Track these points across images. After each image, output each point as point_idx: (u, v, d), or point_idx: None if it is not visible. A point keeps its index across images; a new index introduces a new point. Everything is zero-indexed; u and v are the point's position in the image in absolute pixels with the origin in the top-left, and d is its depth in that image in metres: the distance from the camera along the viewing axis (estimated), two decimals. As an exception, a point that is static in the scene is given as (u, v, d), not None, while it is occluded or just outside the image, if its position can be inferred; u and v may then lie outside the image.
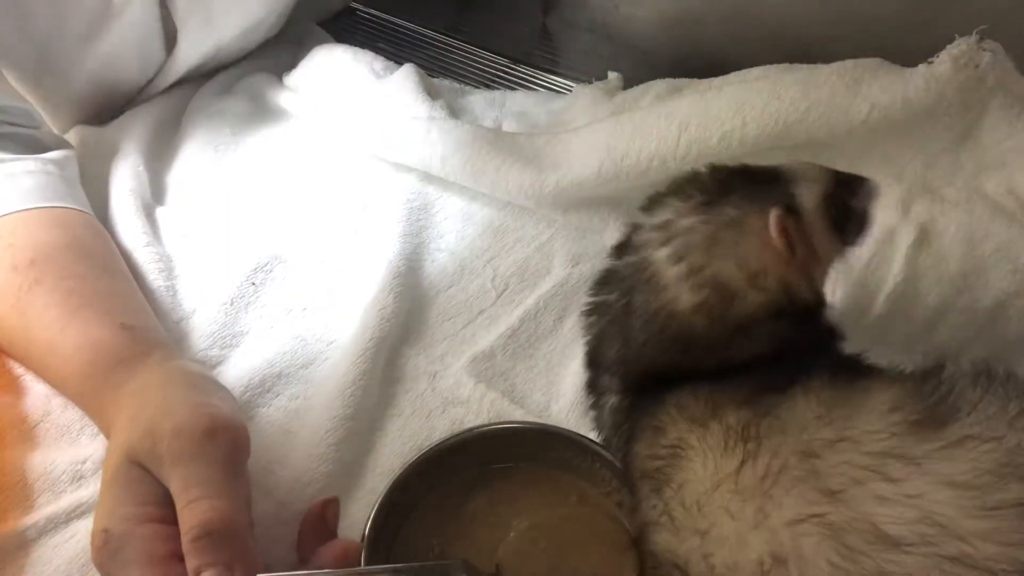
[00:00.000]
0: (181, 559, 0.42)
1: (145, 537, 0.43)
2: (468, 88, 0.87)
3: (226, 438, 0.46)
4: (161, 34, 0.78)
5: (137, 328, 0.57)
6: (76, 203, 0.67)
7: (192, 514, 0.42)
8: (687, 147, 0.63)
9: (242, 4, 0.83)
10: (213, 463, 0.44)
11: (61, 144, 0.72)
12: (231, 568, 0.41)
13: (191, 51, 0.82)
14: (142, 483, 0.45)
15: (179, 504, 0.43)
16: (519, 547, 0.48)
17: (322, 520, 0.48)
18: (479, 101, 0.85)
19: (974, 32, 0.60)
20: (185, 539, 0.42)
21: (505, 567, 0.48)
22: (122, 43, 0.77)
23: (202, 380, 0.52)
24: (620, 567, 0.47)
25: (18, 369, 0.61)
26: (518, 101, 0.84)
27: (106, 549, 0.43)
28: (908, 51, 0.62)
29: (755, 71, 0.70)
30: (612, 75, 0.80)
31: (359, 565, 0.46)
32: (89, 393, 0.55)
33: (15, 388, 0.60)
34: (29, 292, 0.58)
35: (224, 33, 0.83)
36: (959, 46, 0.59)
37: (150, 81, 0.83)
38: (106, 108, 0.82)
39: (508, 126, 0.81)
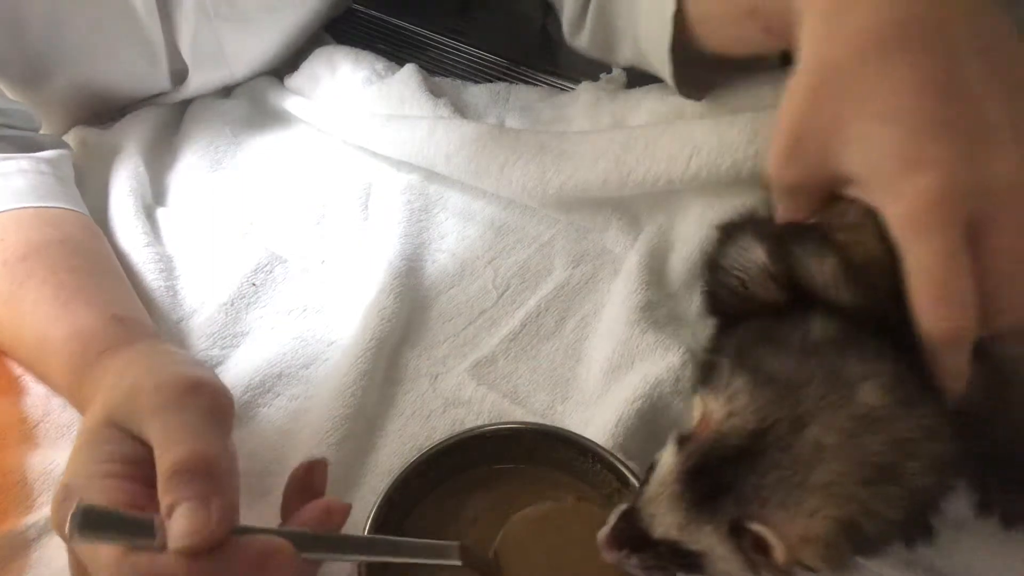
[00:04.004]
0: (140, 508, 0.40)
1: (104, 488, 0.41)
2: (469, 83, 0.87)
3: (209, 393, 0.45)
4: (165, 61, 0.79)
5: (128, 320, 0.57)
6: (69, 203, 0.67)
7: (169, 455, 0.41)
8: (696, 170, 0.62)
9: (254, 49, 0.84)
10: (194, 412, 0.43)
11: (58, 145, 0.72)
12: (207, 502, 0.39)
13: (200, 83, 0.83)
14: (111, 443, 0.44)
15: (159, 453, 0.42)
16: (518, 538, 0.48)
17: (308, 482, 0.47)
18: (483, 95, 0.85)
19: None
20: (161, 480, 0.40)
21: (503, 556, 0.47)
22: (117, 64, 0.78)
23: (188, 358, 0.53)
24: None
25: (17, 369, 0.61)
26: (522, 96, 0.84)
27: (65, 504, 0.41)
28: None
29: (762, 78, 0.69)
30: (616, 70, 0.80)
31: (343, 523, 0.45)
32: (76, 382, 0.53)
33: (15, 388, 0.60)
34: (21, 287, 0.58)
35: (236, 69, 0.85)
36: None
37: (153, 97, 0.83)
38: (102, 114, 0.82)
39: (511, 122, 0.81)
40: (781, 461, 0.39)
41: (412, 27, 0.95)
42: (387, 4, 0.94)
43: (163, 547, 0.39)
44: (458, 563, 0.45)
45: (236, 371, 0.61)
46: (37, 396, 0.60)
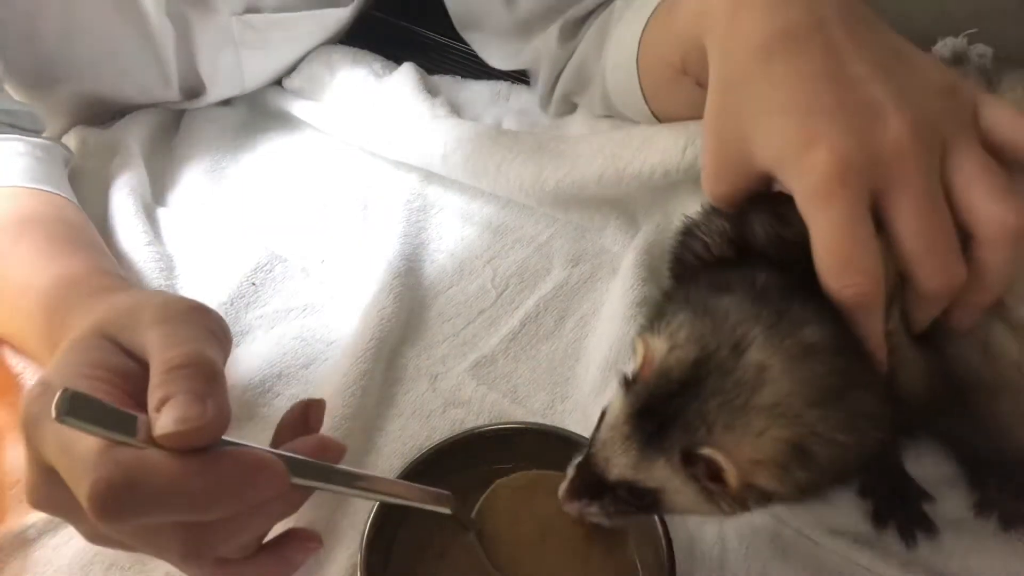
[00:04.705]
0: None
1: (88, 389, 0.38)
2: (469, 80, 0.87)
3: (214, 318, 0.45)
4: (176, 78, 0.80)
5: (120, 276, 0.59)
6: (62, 190, 0.68)
7: (168, 354, 0.39)
8: (692, 159, 0.63)
9: (270, 67, 0.85)
10: (199, 328, 0.42)
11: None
12: (202, 398, 0.37)
13: (213, 98, 0.84)
14: (100, 351, 0.42)
15: (156, 353, 0.40)
16: (507, 507, 0.47)
17: (303, 421, 0.46)
18: (483, 92, 0.85)
19: (962, 35, 0.59)
20: (156, 376, 0.38)
21: (487, 524, 0.47)
22: (128, 78, 0.79)
23: None
24: (613, 541, 0.47)
25: (17, 368, 0.61)
26: (522, 98, 0.84)
27: (40, 399, 0.39)
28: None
29: None
30: None
31: (337, 461, 0.43)
32: (58, 322, 0.51)
33: (14, 388, 0.60)
34: (14, 245, 0.59)
35: (249, 85, 0.86)
36: (946, 47, 0.59)
37: (158, 105, 0.84)
38: (102, 114, 0.82)
39: (509, 123, 0.81)
40: (723, 385, 0.39)
41: (412, 27, 0.95)
42: (388, 4, 0.94)
43: (145, 443, 0.36)
44: (447, 511, 0.45)
45: (236, 371, 0.61)
46: (37, 396, 0.59)
